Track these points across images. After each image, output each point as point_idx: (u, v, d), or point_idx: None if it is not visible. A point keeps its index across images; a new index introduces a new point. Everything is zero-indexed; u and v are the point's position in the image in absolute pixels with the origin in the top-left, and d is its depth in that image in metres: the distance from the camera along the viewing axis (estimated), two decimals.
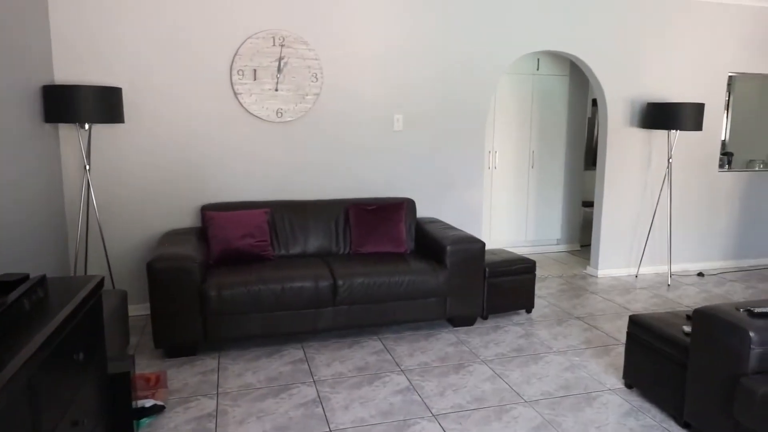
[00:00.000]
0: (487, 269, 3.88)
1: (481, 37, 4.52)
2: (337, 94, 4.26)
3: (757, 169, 5.75)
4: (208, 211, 3.83)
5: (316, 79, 4.16)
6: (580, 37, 4.79)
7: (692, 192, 5.38)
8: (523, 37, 4.63)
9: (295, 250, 3.96)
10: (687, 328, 2.65)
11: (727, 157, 5.83)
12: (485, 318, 4.00)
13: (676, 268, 5.43)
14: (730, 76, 5.39)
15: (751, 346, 2.16)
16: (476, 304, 3.79)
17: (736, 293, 4.74)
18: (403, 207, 4.13)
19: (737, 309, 2.32)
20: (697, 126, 4.68)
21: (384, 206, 4.10)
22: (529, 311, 4.14)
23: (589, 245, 6.22)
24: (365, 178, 4.42)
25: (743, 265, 5.66)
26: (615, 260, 5.23)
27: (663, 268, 5.37)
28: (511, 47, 4.61)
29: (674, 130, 4.88)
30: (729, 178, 5.49)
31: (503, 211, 5.90)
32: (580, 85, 5.97)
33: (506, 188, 5.88)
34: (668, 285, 4.95)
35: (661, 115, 4.76)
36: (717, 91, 5.28)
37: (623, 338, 3.68)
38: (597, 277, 5.17)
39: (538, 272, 5.28)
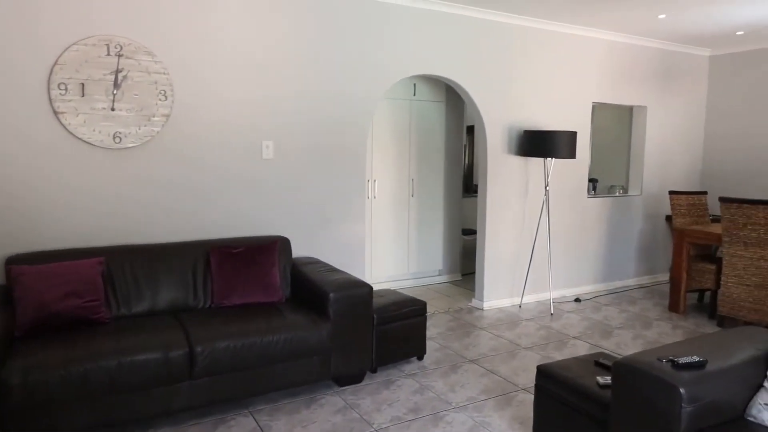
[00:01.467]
0: (375, 316, 3.42)
1: (359, 59, 4.13)
2: (194, 115, 3.58)
3: (617, 194, 6.04)
4: (15, 264, 2.92)
5: (165, 97, 3.45)
6: (460, 64, 4.63)
7: (566, 218, 5.44)
8: (402, 61, 4.34)
9: (140, 307, 3.17)
10: (602, 380, 2.39)
11: (592, 184, 6.06)
12: (374, 371, 3.52)
13: (555, 294, 5.44)
14: (593, 106, 5.59)
15: (683, 404, 1.91)
16: (365, 357, 3.31)
17: (614, 318, 4.80)
18: (275, 247, 3.54)
19: (659, 360, 2.09)
20: (571, 154, 4.71)
21: (253, 247, 3.48)
22: (421, 358, 3.74)
23: (470, 273, 6.07)
24: (229, 214, 3.76)
25: (612, 288, 5.86)
26: (499, 291, 5.08)
27: (544, 296, 5.34)
28: (390, 70, 4.29)
29: (550, 158, 4.88)
30: (596, 203, 5.66)
31: (384, 244, 5.53)
32: (455, 111, 5.86)
33: (387, 219, 5.53)
34: (551, 314, 4.89)
35: (537, 143, 4.72)
36: (584, 120, 5.43)
37: (521, 382, 3.42)
38: (483, 309, 4.97)
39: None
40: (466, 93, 4.75)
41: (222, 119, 3.68)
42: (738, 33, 5.34)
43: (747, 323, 4.56)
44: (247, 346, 2.87)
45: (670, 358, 2.07)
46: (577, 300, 5.36)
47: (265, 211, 3.88)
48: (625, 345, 4.12)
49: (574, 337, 4.28)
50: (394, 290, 3.91)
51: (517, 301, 5.18)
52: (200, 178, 3.64)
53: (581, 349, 4.02)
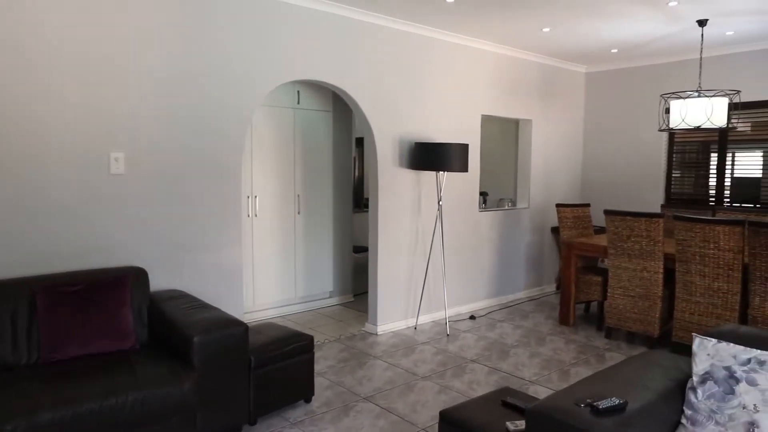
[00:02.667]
0: (252, 358, 2.91)
1: (232, 59, 3.61)
2: (14, 119, 2.85)
3: (507, 207, 6.02)
4: None
5: None
6: (347, 70, 4.27)
7: (460, 233, 5.28)
8: (283, 64, 3.88)
9: None
10: (512, 426, 2.10)
11: (483, 197, 5.99)
12: (253, 423, 2.99)
13: (450, 312, 5.23)
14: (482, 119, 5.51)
15: None
16: (240, 409, 2.78)
17: (509, 335, 4.67)
18: (126, 281, 2.91)
19: (577, 405, 1.83)
20: (464, 167, 4.53)
21: (96, 283, 2.82)
22: (308, 400, 3.28)
23: (363, 293, 5.72)
24: (65, 243, 3.05)
25: (503, 302, 5.80)
26: (393, 313, 4.76)
27: (439, 315, 5.11)
28: (269, 74, 3.81)
29: (442, 171, 4.67)
30: (487, 217, 5.58)
31: (268, 267, 4.99)
32: (343, 122, 5.50)
33: (270, 239, 5.00)
34: (447, 335, 4.65)
35: (429, 156, 4.49)
36: (473, 132, 5.32)
37: (421, 420, 3.08)
38: (377, 334, 4.61)
39: (314, 335, 4.47)
40: (354, 102, 4.40)
41: (55, 125, 2.97)
42: (612, 51, 5.54)
43: (631, 333, 4.65)
44: (82, 415, 2.24)
45: (589, 401, 1.82)
46: (472, 317, 5.20)
47: (113, 237, 3.21)
48: (523, 366, 3.96)
49: (472, 360, 4.05)
50: (275, 324, 3.41)
51: (412, 322, 4.89)
52: (24, 199, 2.90)
53: (480, 373, 3.80)
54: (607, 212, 4.48)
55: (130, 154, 3.24)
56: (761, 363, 1.83)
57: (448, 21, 4.52)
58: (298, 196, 5.17)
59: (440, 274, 5.07)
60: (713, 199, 5.66)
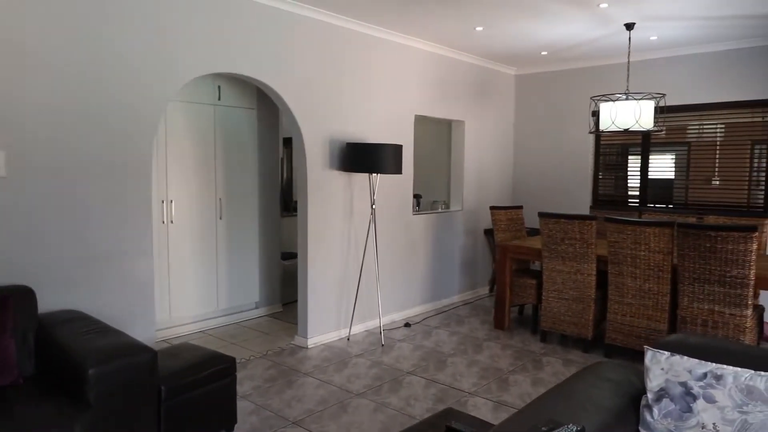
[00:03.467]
0: (163, 387, 2.54)
1: (138, 48, 3.20)
2: None
3: (440, 210, 5.90)
4: None
5: None
6: (272, 64, 3.94)
7: (393, 237, 5.08)
8: (198, 55, 3.50)
9: None
10: None
11: (416, 200, 5.83)
12: None
13: (385, 320, 5.02)
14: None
15: None
16: None
17: (445, 343, 4.52)
18: (6, 303, 2.45)
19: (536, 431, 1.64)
20: (398, 168, 4.33)
21: None
22: (230, 430, 2.94)
23: (292, 302, 5.39)
24: None
25: (438, 307, 5.66)
26: (325, 323, 4.47)
27: (373, 323, 4.88)
28: (181, 66, 3.42)
29: (375, 174, 4.44)
30: (421, 220, 5.42)
31: (186, 277, 4.56)
32: (269, 120, 5.15)
33: (189, 247, 4.57)
34: (382, 345, 4.43)
35: (361, 157, 4.25)
36: (407, 133, 5.14)
37: None
38: (308, 348, 4.31)
39: (238, 353, 4.12)
40: (281, 99, 4.08)
41: None
42: (542, 53, 5.55)
43: (565, 336, 4.63)
44: None
45: (544, 430, 1.64)
46: (407, 325, 5.01)
47: None
48: (461, 376, 3.81)
49: (409, 373, 3.85)
50: (192, 345, 3.04)
51: (345, 333, 4.63)
52: None
53: (417, 387, 3.60)
54: (541, 215, 4.42)
55: (14, 154, 2.76)
56: (718, 378, 1.73)
57: (381, 16, 4.31)
58: (220, 200, 4.77)
59: (374, 280, 4.84)
60: (636, 200, 5.80)
